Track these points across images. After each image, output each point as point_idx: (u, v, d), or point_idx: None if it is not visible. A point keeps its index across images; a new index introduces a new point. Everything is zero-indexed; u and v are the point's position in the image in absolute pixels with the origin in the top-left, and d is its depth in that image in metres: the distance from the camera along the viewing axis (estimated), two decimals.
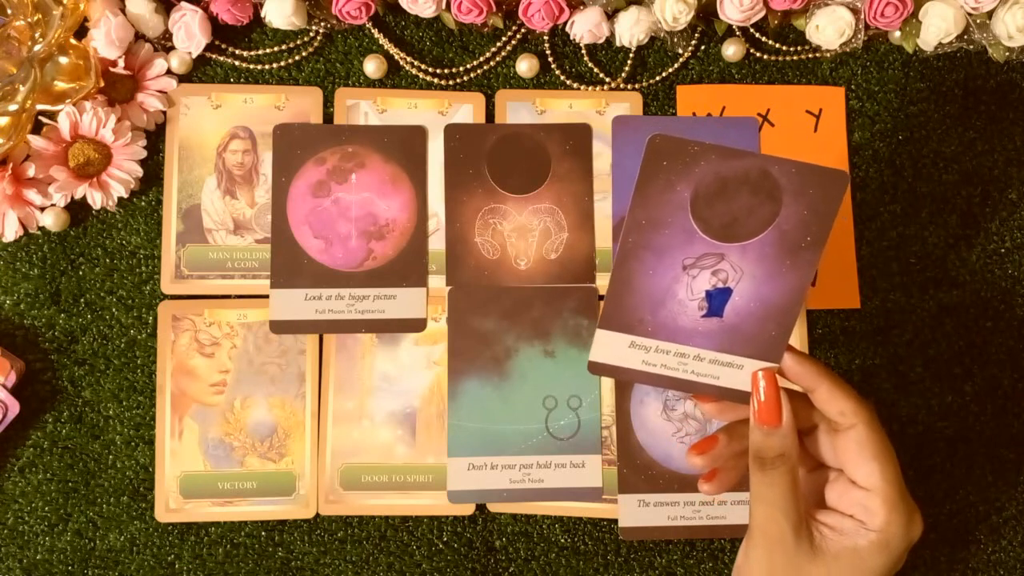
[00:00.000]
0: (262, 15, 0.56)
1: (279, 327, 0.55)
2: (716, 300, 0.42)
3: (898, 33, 0.58)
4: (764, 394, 0.42)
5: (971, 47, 0.58)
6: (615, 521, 0.55)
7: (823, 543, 0.41)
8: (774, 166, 0.40)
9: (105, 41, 0.54)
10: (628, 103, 0.58)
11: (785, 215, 0.40)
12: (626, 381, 0.44)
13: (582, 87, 0.58)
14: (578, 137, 0.57)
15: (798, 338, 0.56)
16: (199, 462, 0.54)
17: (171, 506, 0.54)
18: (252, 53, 0.58)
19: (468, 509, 0.55)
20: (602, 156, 0.57)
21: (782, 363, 0.42)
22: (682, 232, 0.41)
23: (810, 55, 0.59)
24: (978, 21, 0.57)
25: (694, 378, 0.43)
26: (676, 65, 0.58)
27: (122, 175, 0.55)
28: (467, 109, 0.58)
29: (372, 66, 0.57)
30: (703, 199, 0.40)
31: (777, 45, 0.58)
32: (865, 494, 0.41)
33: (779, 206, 0.40)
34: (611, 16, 0.57)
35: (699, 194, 0.40)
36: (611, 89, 0.58)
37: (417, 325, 0.56)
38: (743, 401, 0.43)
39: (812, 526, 0.42)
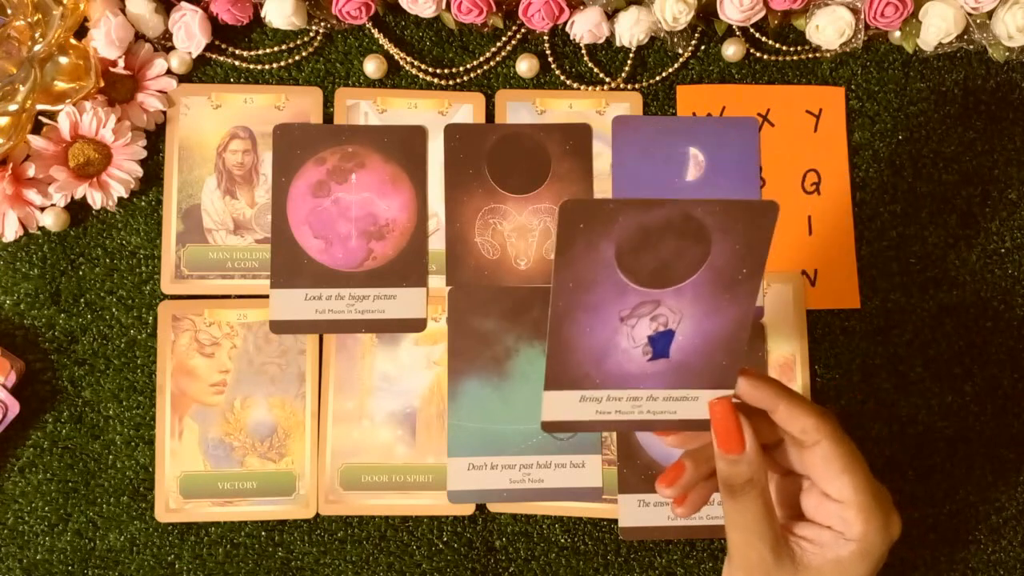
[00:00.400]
0: (262, 15, 0.56)
1: (279, 327, 0.55)
2: (659, 343, 0.41)
3: (898, 33, 0.58)
4: (722, 424, 0.41)
5: (971, 47, 0.58)
6: (615, 521, 0.55)
7: (804, 557, 0.41)
8: (696, 209, 0.38)
9: (105, 41, 0.54)
10: (628, 103, 0.58)
11: (717, 252, 0.39)
12: (584, 432, 0.43)
13: (582, 87, 0.58)
14: (578, 137, 0.57)
15: (799, 338, 0.56)
16: (199, 462, 0.54)
17: (171, 506, 0.54)
18: (252, 53, 0.58)
19: (468, 509, 0.55)
20: (602, 156, 0.57)
21: (737, 388, 0.41)
22: (613, 287, 0.40)
23: (810, 55, 0.59)
24: (978, 21, 0.57)
25: (651, 417, 0.42)
26: (676, 65, 0.58)
27: (122, 175, 0.55)
28: (467, 109, 0.58)
29: (372, 66, 0.57)
30: (628, 253, 0.39)
31: (777, 45, 0.58)
32: (839, 506, 0.40)
33: (708, 245, 0.39)
34: (611, 16, 0.57)
35: (623, 249, 0.39)
36: (611, 89, 0.58)
37: (417, 325, 0.56)
38: (704, 429, 0.42)
39: (792, 541, 0.41)
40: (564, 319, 0.41)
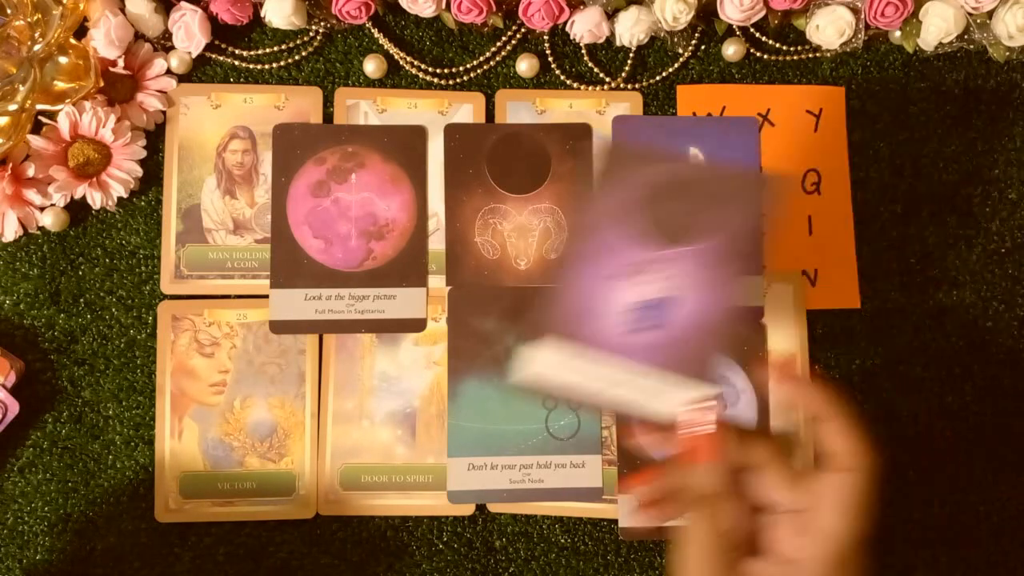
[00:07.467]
0: (262, 15, 0.56)
1: (279, 327, 0.55)
2: (653, 312, 0.41)
3: (898, 33, 0.58)
4: (703, 429, 0.40)
5: (971, 47, 0.58)
6: (615, 521, 0.55)
7: None
8: (715, 172, 0.40)
9: (105, 41, 0.54)
10: (628, 103, 0.58)
11: (728, 219, 0.40)
12: (555, 399, 0.42)
13: (582, 87, 0.58)
14: (578, 137, 0.57)
15: (799, 338, 0.56)
16: (199, 462, 0.54)
17: (171, 506, 0.54)
18: (252, 53, 0.58)
19: (468, 509, 0.55)
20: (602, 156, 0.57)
21: (798, 385, 0.40)
22: (624, 238, 0.40)
23: (810, 55, 0.59)
24: (978, 21, 0.57)
25: (627, 399, 0.41)
26: (676, 65, 0.58)
27: (122, 175, 0.55)
28: (467, 109, 0.58)
29: (372, 66, 0.57)
30: (650, 206, 0.40)
31: (777, 45, 0.58)
32: (820, 541, 0.39)
33: (719, 214, 0.40)
34: (611, 16, 0.57)
35: (647, 199, 0.40)
36: (611, 89, 0.58)
37: (417, 325, 0.56)
38: (673, 428, 0.41)
39: (742, 566, 0.40)
40: (571, 261, 0.41)
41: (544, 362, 0.41)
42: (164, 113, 0.57)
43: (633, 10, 0.56)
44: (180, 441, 0.54)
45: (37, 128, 0.54)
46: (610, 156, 0.40)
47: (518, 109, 0.58)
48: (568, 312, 0.41)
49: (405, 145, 0.57)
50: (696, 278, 0.40)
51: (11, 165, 0.54)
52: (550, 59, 0.58)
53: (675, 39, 0.57)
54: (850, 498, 0.38)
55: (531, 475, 0.55)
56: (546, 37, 0.58)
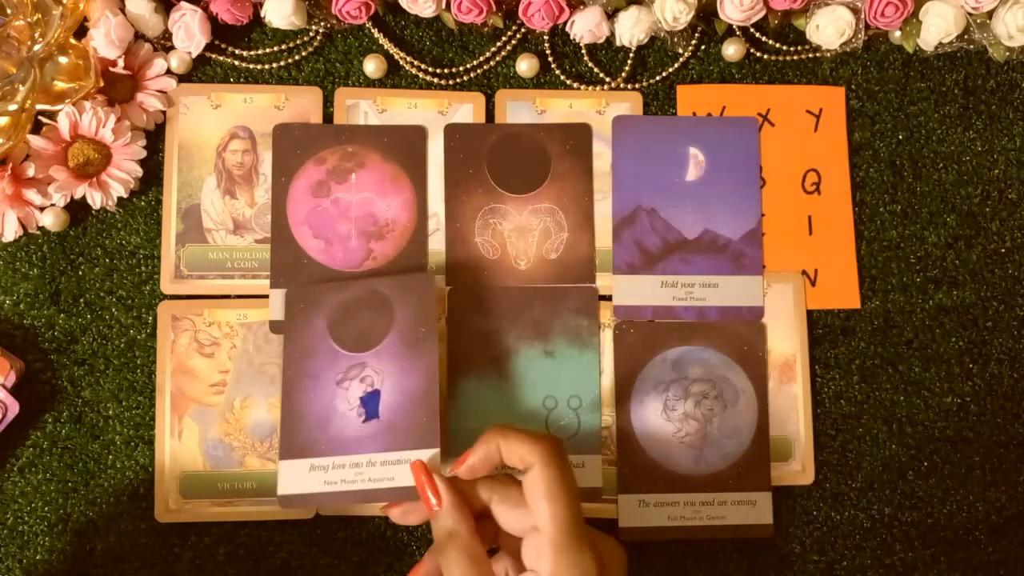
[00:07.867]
0: (262, 15, 0.56)
1: (279, 327, 0.55)
2: (370, 403, 0.50)
3: (898, 33, 0.58)
4: (418, 481, 0.45)
5: (971, 47, 0.58)
6: (615, 521, 0.55)
7: None
8: (378, 284, 0.52)
9: (105, 41, 0.54)
10: (628, 103, 0.58)
11: (399, 316, 0.51)
12: (316, 506, 0.52)
13: (582, 87, 0.58)
14: (578, 137, 0.57)
15: (799, 338, 0.56)
16: (199, 462, 0.54)
17: (171, 506, 0.54)
18: (252, 53, 0.58)
19: None
20: (602, 156, 0.57)
21: (467, 466, 0.44)
22: (328, 354, 0.51)
23: (810, 55, 0.59)
24: (978, 21, 0.57)
25: (372, 486, 0.48)
26: (676, 65, 0.58)
27: (122, 175, 0.55)
28: (467, 109, 0.58)
29: (372, 66, 0.57)
30: (336, 325, 0.51)
31: (777, 45, 0.58)
32: (540, 539, 0.41)
33: (393, 312, 0.51)
34: (611, 16, 0.57)
35: (332, 322, 0.52)
36: (611, 89, 0.58)
37: None
38: (411, 495, 0.47)
39: None
40: (293, 387, 0.51)
41: (300, 477, 0.49)
42: (164, 113, 0.57)
43: (633, 10, 0.56)
44: (180, 441, 0.54)
45: (37, 128, 0.54)
46: (289, 299, 0.53)
47: (518, 109, 0.58)
48: (311, 424, 0.50)
49: (405, 145, 0.57)
50: (386, 372, 0.50)
51: (11, 165, 0.54)
52: (550, 59, 0.58)
53: (675, 39, 0.57)
54: (546, 486, 0.41)
55: None
56: (546, 37, 0.58)
